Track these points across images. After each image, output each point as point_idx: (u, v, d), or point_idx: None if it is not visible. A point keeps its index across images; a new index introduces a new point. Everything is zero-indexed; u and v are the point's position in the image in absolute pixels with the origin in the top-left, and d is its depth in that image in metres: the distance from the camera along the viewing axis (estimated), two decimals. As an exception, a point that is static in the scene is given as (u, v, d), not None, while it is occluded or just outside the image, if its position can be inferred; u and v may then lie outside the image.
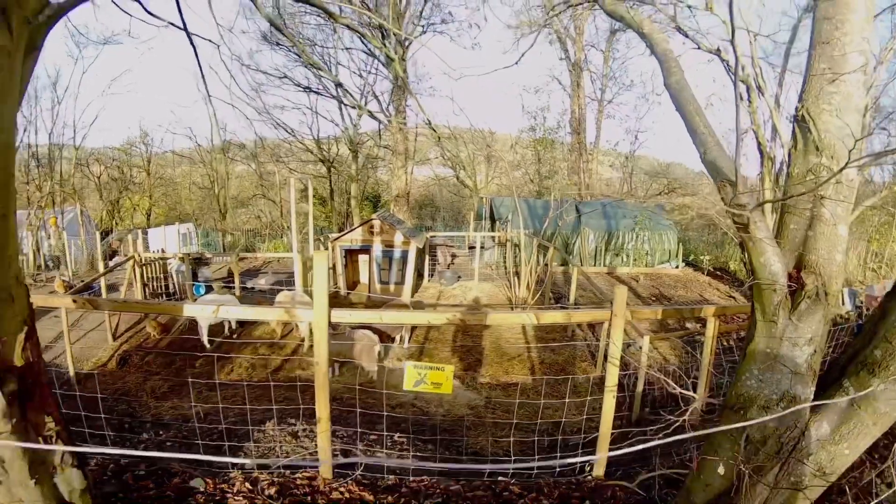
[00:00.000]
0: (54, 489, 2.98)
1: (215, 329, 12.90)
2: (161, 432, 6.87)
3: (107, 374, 11.00)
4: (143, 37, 59.25)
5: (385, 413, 5.47)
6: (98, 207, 37.40)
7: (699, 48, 5.20)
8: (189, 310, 4.74)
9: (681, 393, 3.62)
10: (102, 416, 5.81)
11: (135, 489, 4.33)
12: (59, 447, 2.97)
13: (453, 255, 22.76)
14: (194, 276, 16.81)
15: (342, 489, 4.35)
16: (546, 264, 15.72)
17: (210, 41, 7.56)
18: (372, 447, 5.81)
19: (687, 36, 5.62)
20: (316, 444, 5.30)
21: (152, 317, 13.07)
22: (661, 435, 3.59)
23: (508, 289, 16.70)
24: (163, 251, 21.29)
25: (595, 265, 22.24)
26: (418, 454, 5.88)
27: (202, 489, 4.25)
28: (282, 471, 4.67)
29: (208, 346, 12.23)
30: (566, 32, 33.88)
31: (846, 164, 2.67)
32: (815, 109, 2.97)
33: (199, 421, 7.22)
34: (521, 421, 7.76)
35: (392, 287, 17.00)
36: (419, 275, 18.08)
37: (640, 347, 8.28)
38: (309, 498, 4.21)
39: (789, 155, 3.24)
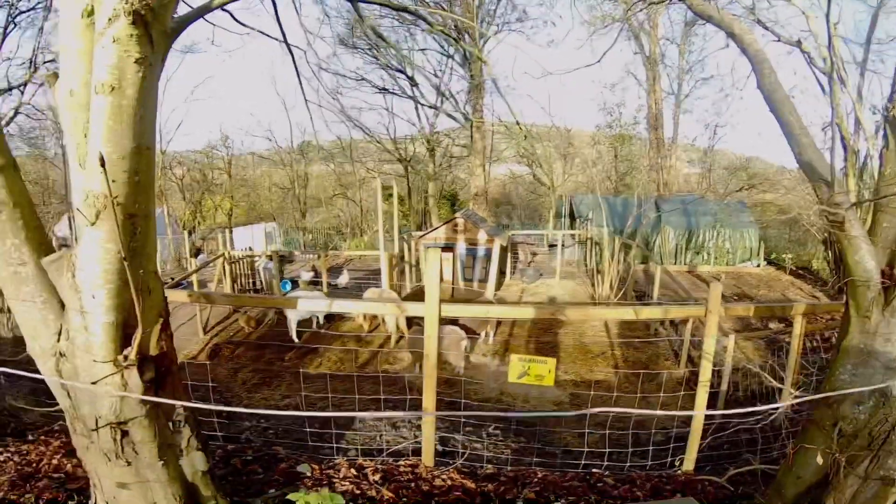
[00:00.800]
0: (179, 470, 3.25)
1: (303, 324, 13.30)
2: (261, 421, 7.27)
3: (198, 366, 11.55)
4: (224, 45, 61.37)
5: (469, 401, 5.68)
6: (181, 208, 38.96)
7: (779, 40, 5.22)
8: (303, 304, 5.06)
9: (773, 385, 3.73)
10: (209, 405, 6.21)
11: (244, 473, 4.65)
12: (186, 432, 3.26)
13: (534, 253, 22.78)
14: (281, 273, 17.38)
15: (444, 476, 4.56)
16: (628, 262, 15.68)
17: (298, 47, 8.01)
18: (469, 438, 6.01)
19: (766, 28, 5.63)
20: (415, 434, 5.59)
21: (244, 311, 13.68)
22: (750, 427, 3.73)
23: (591, 287, 16.71)
24: (250, 249, 22.08)
25: (675, 263, 21.92)
26: (512, 445, 6.09)
27: (309, 474, 4.50)
28: (385, 458, 4.92)
29: (297, 340, 12.67)
30: (640, 27, 33.36)
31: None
32: (909, 107, 3.00)
33: (297, 411, 7.63)
34: (607, 418, 7.91)
35: (475, 284, 17.13)
36: (501, 272, 18.17)
37: (725, 347, 8.30)
38: (412, 484, 4.41)
39: (881, 154, 3.30)
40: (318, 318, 13.75)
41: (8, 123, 22.49)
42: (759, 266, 21.90)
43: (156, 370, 2.95)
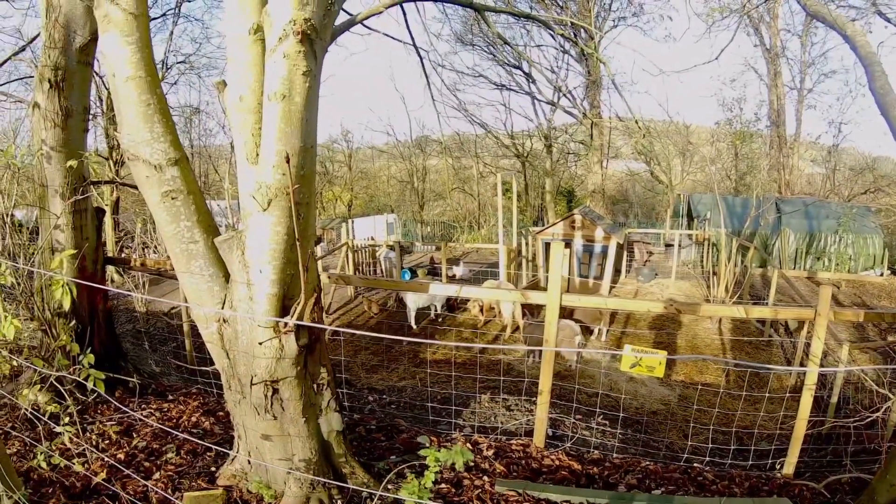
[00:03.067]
0: (317, 428, 3.70)
1: (422, 313, 13.87)
2: (384, 397, 7.74)
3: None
4: (347, 45, 63.47)
5: (576, 387, 5.88)
6: (303, 199, 40.51)
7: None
8: (434, 288, 5.43)
9: (882, 393, 3.73)
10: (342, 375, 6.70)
11: (368, 440, 5.11)
12: (328, 394, 3.72)
13: (650, 253, 22.48)
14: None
15: (553, 457, 4.84)
16: (745, 265, 15.34)
17: (422, 49, 8.45)
18: (577, 425, 6.30)
19: (889, 21, 5.47)
20: (527, 419, 5.90)
21: (369, 296, 14.36)
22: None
23: (706, 288, 16.43)
24: (372, 239, 22.88)
25: (794, 268, 21.03)
26: (619, 435, 6.31)
27: (428, 445, 4.74)
28: (498, 437, 5.28)
29: (415, 327, 13.20)
30: (760, 18, 31.91)
31: None
32: None
33: (414, 390, 8.12)
34: (717, 413, 7.92)
35: (591, 282, 17.09)
36: (616, 271, 18.11)
37: (839, 357, 8.12)
38: (523, 461, 4.73)
39: None
40: (435, 307, 14.23)
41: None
42: (882, 275, 20.64)
43: (308, 337, 3.40)
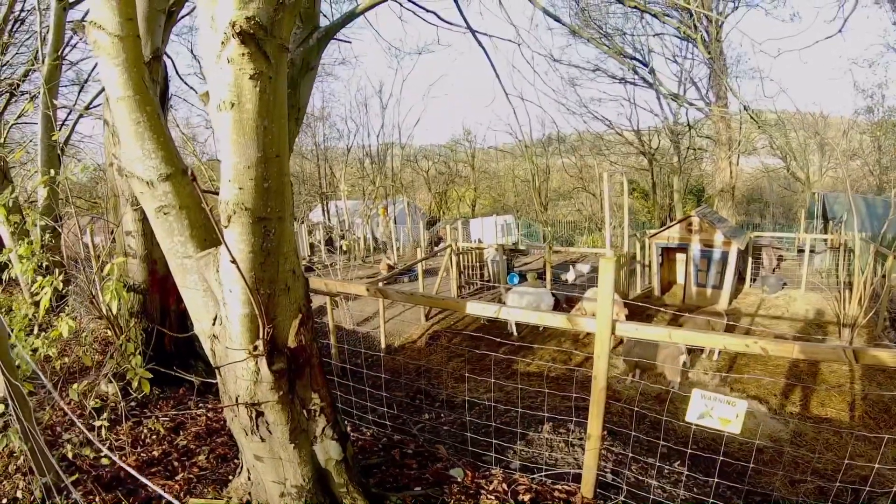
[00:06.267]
0: (312, 455, 3.53)
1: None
2: (444, 414, 7.40)
3: (415, 350, 12.07)
4: (454, 45, 64.79)
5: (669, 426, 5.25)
6: (427, 199, 41.06)
7: None
8: (470, 308, 4.99)
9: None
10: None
11: (399, 465, 4.78)
12: (322, 421, 3.51)
13: (780, 258, 20.82)
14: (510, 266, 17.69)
15: (599, 513, 4.25)
16: (884, 276, 13.69)
17: (511, 41, 8.08)
18: (645, 472, 5.48)
19: None
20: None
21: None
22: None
23: (837, 303, 14.82)
24: (479, 241, 22.70)
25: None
26: (695, 488, 5.42)
27: (459, 479, 4.51)
28: (543, 478, 4.69)
29: (515, 334, 12.87)
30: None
31: None
32: None
33: (484, 410, 7.52)
34: (824, 467, 6.92)
35: (709, 291, 16.11)
36: (740, 278, 16.96)
37: None
38: (562, 513, 4.18)
39: None
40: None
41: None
42: None
43: (292, 362, 3.23)
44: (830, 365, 10.81)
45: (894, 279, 13.55)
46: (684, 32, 27.99)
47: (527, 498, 4.27)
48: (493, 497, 4.26)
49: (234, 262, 2.69)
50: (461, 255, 16.98)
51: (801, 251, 19.88)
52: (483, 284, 17.51)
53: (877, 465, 6.19)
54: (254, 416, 3.24)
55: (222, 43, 2.41)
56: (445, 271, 16.32)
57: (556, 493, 4.45)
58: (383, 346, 11.78)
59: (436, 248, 21.03)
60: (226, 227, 2.74)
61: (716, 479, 4.74)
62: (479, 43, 6.32)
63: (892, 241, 16.73)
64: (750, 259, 17.80)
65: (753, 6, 31.96)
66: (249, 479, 3.72)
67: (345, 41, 12.33)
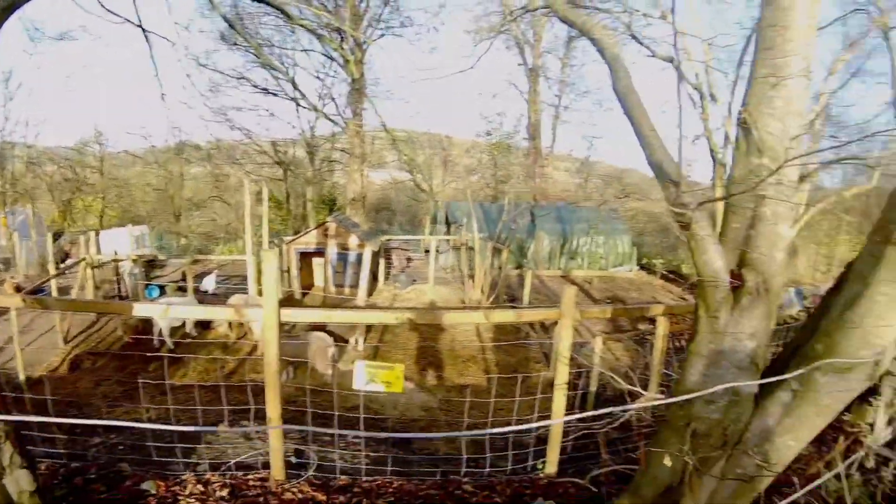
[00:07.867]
0: (3, 489, 3.05)
1: (173, 331, 12.77)
2: (112, 435, 6.72)
3: (58, 379, 10.67)
4: (103, 34, 58.39)
5: (336, 413, 5.36)
6: (50, 208, 36.25)
7: (654, 56, 5.29)
8: (140, 309, 4.68)
9: (628, 389, 3.68)
10: (53, 419, 5.67)
11: (85, 492, 4.31)
12: (8, 448, 3.03)
13: (409, 259, 22.82)
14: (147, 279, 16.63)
15: (294, 490, 4.35)
16: (500, 267, 15.80)
17: (166, 39, 7.47)
18: (325, 448, 5.71)
19: (642, 44, 5.69)
20: (269, 446, 5.25)
21: (122, 319, 12.84)
22: (606, 429, 3.67)
23: (463, 292, 16.72)
24: (115, 253, 20.90)
25: (550, 268, 22.36)
26: (371, 454, 5.85)
27: (154, 492, 4.23)
28: (234, 472, 4.64)
29: (172, 346, 12.20)
30: (524, 38, 33.87)
31: (783, 163, 2.75)
32: (757, 113, 3.03)
33: (149, 423, 7.04)
34: (475, 421, 7.75)
35: (347, 290, 16.99)
36: (374, 278, 18.10)
37: (593, 348, 8.36)
38: (261, 499, 4.20)
39: (733, 157, 3.30)
40: (185, 324, 13.20)
41: None
42: (631, 271, 22.72)
43: None
44: (463, 342, 12.54)
45: (509, 269, 15.80)
46: (337, 50, 28.84)
47: (225, 493, 4.25)
48: (192, 500, 4.14)
49: None
50: (96, 270, 15.46)
51: (427, 252, 21.87)
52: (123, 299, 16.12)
53: (515, 417, 6.97)
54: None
55: None
56: (81, 287, 14.88)
57: (251, 482, 4.50)
58: (22, 378, 9.88)
59: (68, 262, 18.79)
60: None
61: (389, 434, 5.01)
62: (146, 37, 5.75)
63: (506, 240, 19.25)
64: (382, 260, 19.17)
65: (398, 35, 34.24)
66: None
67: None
